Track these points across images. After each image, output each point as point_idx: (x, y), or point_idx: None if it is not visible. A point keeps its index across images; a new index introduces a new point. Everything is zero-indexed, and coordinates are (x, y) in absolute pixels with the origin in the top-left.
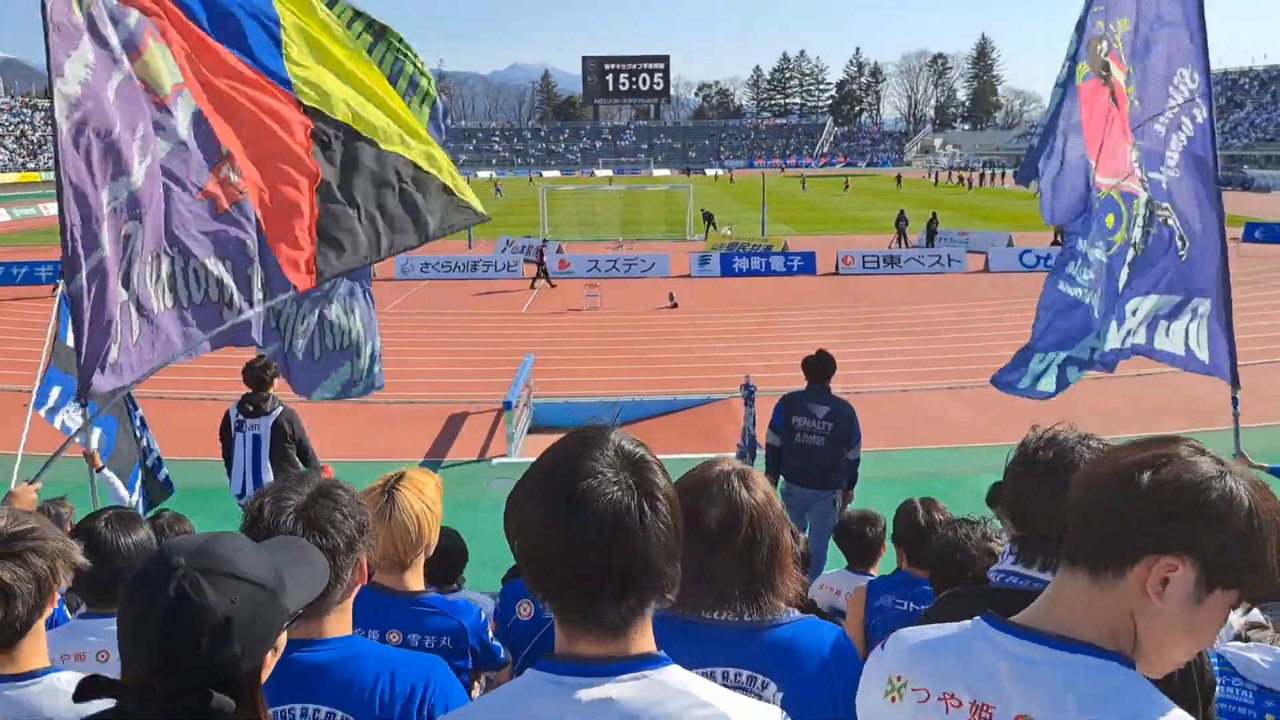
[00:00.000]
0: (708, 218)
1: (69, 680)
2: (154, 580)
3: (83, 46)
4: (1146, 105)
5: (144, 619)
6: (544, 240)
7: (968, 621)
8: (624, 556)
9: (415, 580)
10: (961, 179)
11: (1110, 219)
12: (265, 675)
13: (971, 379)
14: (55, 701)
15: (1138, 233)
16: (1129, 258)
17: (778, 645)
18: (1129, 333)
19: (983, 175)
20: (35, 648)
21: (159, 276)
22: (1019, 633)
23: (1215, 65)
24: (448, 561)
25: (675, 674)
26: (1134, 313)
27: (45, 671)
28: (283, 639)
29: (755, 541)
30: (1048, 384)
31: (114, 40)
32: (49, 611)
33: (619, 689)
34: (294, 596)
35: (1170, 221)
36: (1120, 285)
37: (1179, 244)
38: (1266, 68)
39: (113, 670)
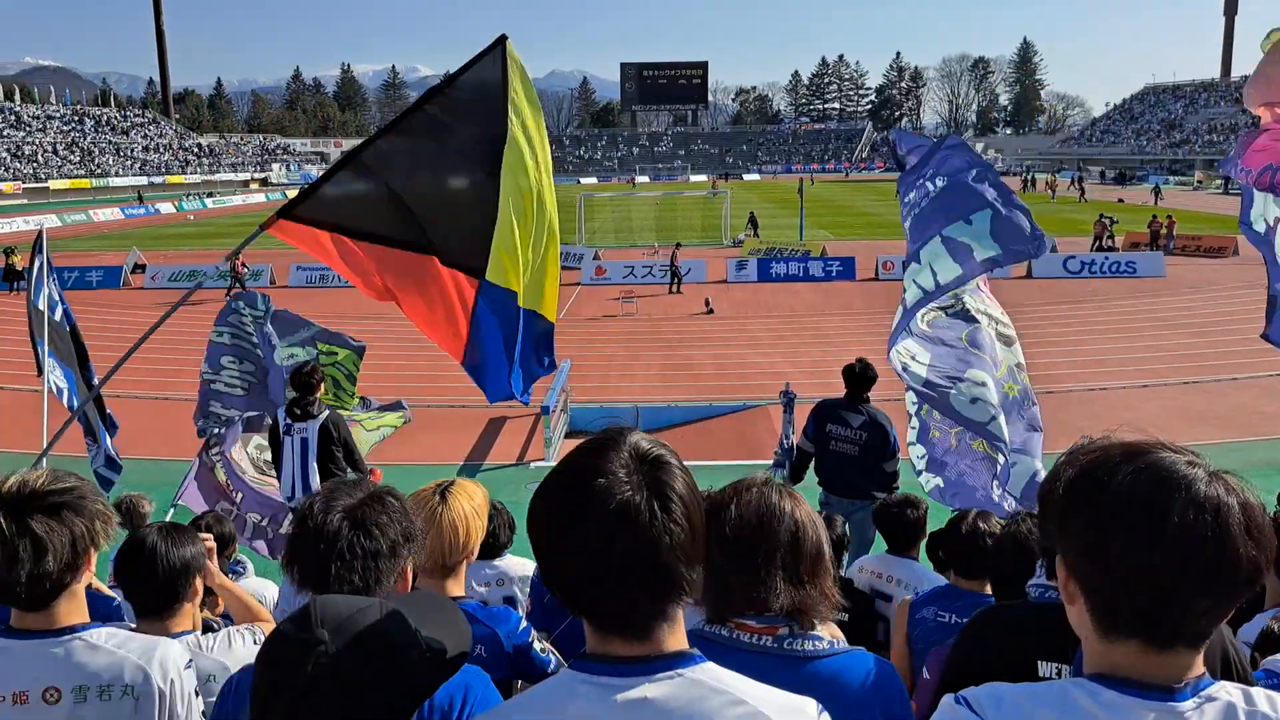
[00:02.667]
0: (753, 222)
1: (107, 636)
2: (294, 650)
3: None
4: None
5: (278, 688)
6: (677, 244)
7: (1061, 682)
8: (634, 558)
9: (456, 587)
10: (1049, 186)
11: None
12: None
13: None
14: (93, 657)
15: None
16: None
17: (820, 677)
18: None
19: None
20: (72, 607)
21: None
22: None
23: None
24: (495, 536)
25: (709, 671)
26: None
27: (84, 627)
28: None
29: (796, 560)
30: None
31: None
32: (86, 576)
33: (654, 688)
34: (449, 661)
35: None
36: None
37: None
38: None
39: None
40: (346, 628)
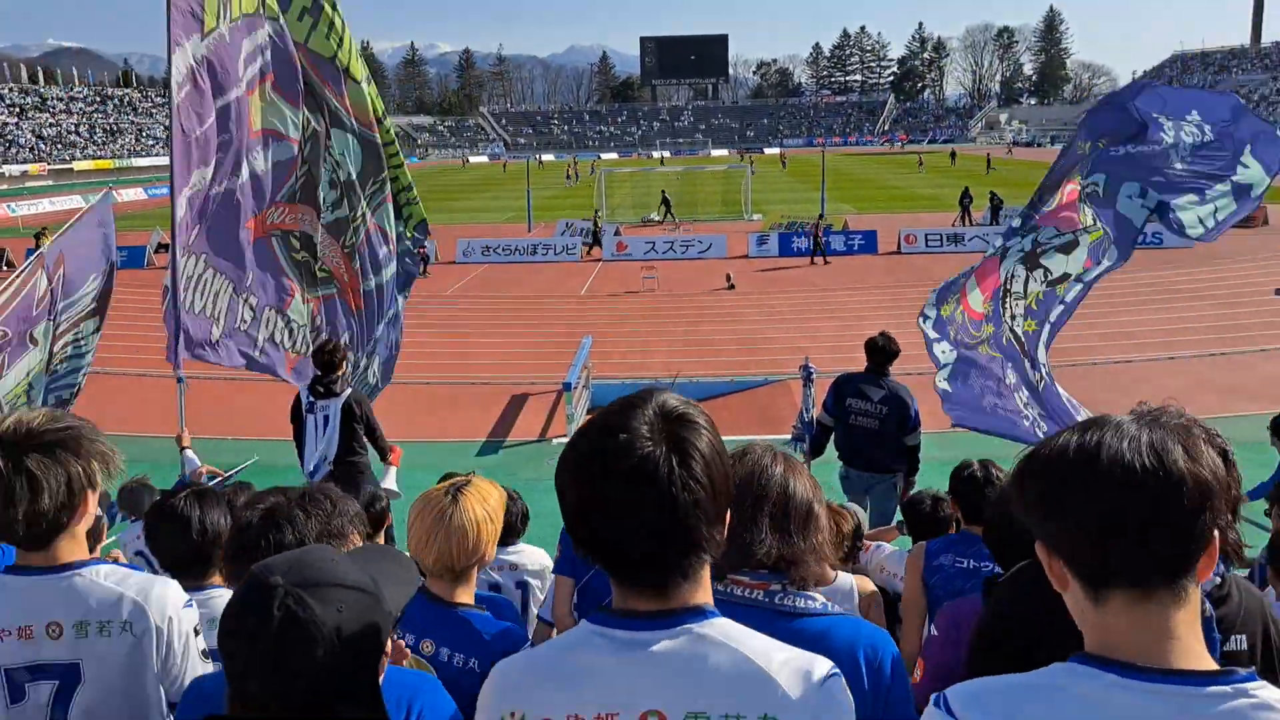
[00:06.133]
0: (665, 202)
1: (107, 573)
2: (256, 604)
3: (192, 44)
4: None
5: (255, 644)
6: (820, 217)
7: (1052, 668)
8: (652, 513)
9: (464, 594)
10: None
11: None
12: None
13: None
14: (93, 592)
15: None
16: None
17: (808, 635)
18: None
19: None
20: (72, 546)
21: (208, 288)
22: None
23: None
24: (509, 522)
25: (718, 627)
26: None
27: (83, 564)
28: (390, 644)
29: (785, 514)
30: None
31: (242, 67)
32: (85, 518)
33: (661, 644)
34: (392, 598)
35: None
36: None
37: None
38: None
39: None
40: (295, 568)
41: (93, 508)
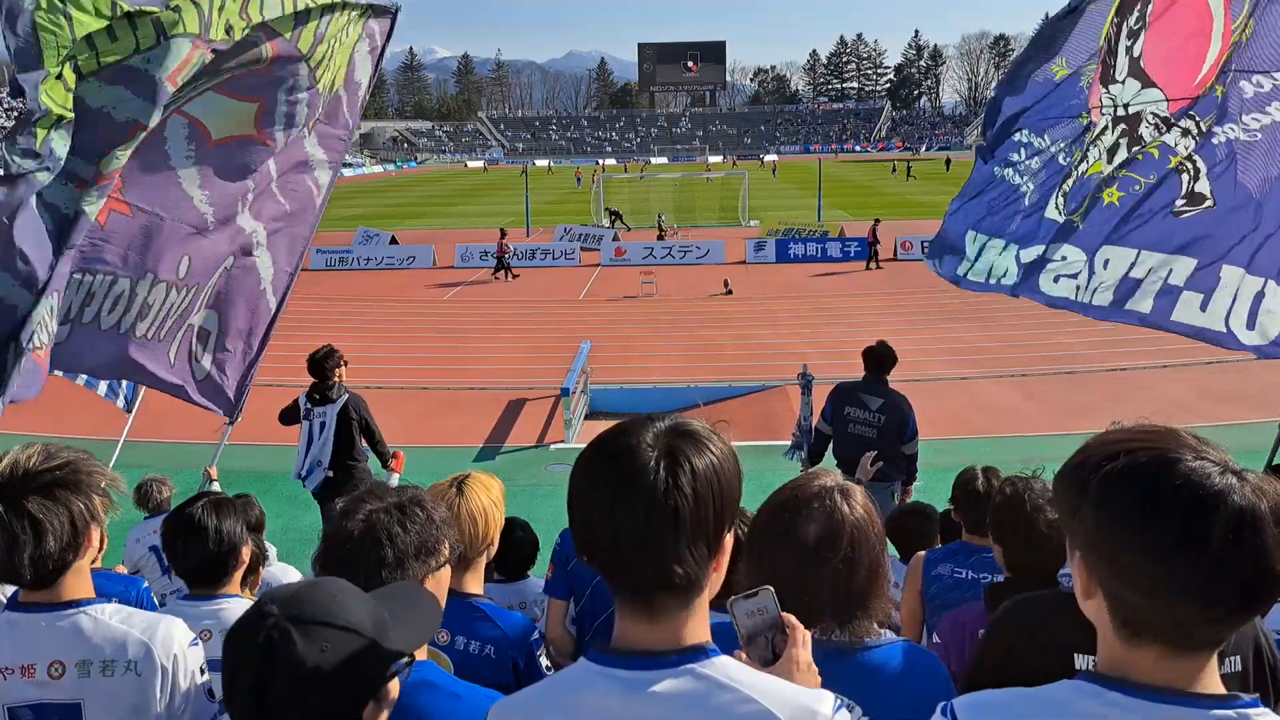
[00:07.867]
0: (615, 214)
1: (112, 612)
2: (247, 630)
3: None
4: (1249, 58)
5: (239, 669)
6: (876, 220)
7: (1059, 684)
8: (627, 514)
9: (474, 583)
10: None
11: (1094, 143)
12: None
13: (1034, 366)
14: (97, 632)
15: (1114, 172)
16: (1099, 197)
17: (867, 669)
18: (1098, 289)
19: None
20: (77, 583)
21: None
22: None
23: None
24: (521, 554)
25: (720, 666)
26: (1105, 265)
27: (88, 602)
28: (393, 688)
29: (854, 562)
30: (1007, 275)
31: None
32: (91, 552)
33: (664, 684)
34: (400, 640)
35: (1185, 176)
36: (1078, 221)
37: (1180, 204)
38: None
39: (215, 649)
40: (294, 601)
41: (98, 541)
